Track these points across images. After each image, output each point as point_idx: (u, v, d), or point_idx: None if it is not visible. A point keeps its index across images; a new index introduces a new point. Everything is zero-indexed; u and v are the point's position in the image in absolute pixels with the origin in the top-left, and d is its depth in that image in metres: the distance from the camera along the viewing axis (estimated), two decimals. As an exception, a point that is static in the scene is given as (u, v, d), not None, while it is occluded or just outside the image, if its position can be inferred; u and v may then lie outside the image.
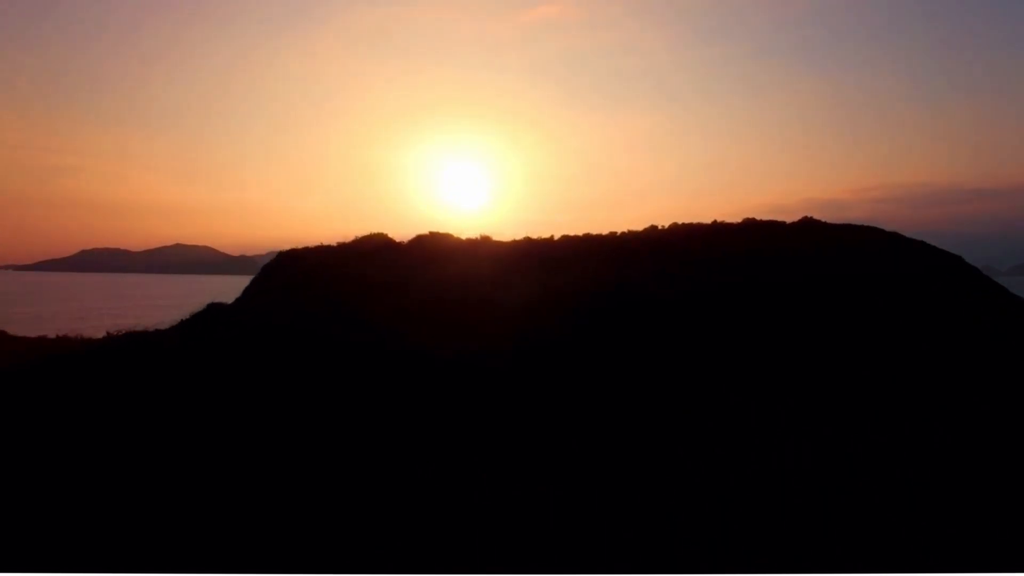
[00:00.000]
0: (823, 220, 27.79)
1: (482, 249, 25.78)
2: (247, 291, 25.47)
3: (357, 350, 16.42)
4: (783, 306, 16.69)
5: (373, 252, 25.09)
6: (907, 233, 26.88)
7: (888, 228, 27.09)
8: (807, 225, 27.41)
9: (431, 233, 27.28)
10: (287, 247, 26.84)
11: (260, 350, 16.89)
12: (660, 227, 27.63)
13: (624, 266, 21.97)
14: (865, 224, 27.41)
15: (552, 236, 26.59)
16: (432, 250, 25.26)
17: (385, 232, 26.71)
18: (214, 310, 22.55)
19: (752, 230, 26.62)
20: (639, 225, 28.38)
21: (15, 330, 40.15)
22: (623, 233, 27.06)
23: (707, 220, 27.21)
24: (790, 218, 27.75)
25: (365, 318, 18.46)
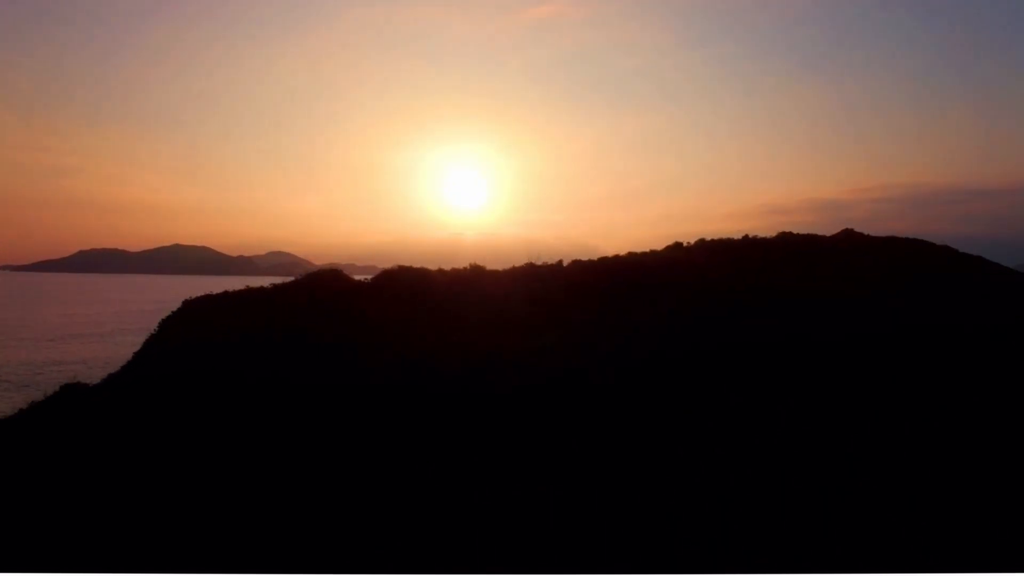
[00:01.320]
0: (864, 232, 25.12)
1: (470, 289, 19.81)
2: (138, 355, 19.46)
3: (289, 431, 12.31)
4: (787, 310, 16.43)
5: (317, 299, 19.19)
6: (906, 234, 25.67)
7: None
8: (848, 239, 24.35)
9: (400, 267, 21.34)
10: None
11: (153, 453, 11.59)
12: (686, 244, 24.10)
13: (645, 308, 17.15)
14: (908, 236, 25.40)
15: (560, 261, 22.09)
16: (401, 293, 19.28)
17: (340, 267, 21.97)
18: (70, 394, 15.86)
19: (788, 247, 23.21)
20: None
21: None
22: (644, 254, 23.03)
23: (735, 234, 24.36)
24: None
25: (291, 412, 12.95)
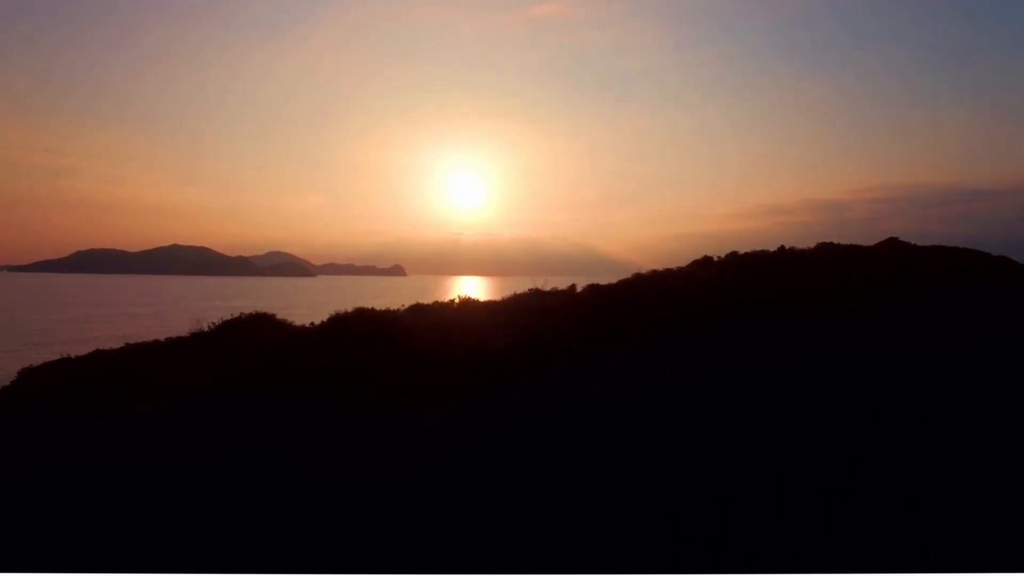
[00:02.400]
0: (910, 242, 23.53)
1: (453, 331, 14.81)
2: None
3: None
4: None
5: (237, 355, 14.09)
6: (906, 233, 24.75)
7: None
8: (891, 248, 22.72)
9: (357, 311, 15.88)
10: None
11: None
12: (716, 258, 21.98)
13: (656, 330, 14.36)
14: (957, 245, 23.63)
15: (574, 287, 18.38)
16: (353, 347, 13.86)
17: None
18: None
19: (825, 257, 21.26)
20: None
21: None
22: (669, 273, 20.14)
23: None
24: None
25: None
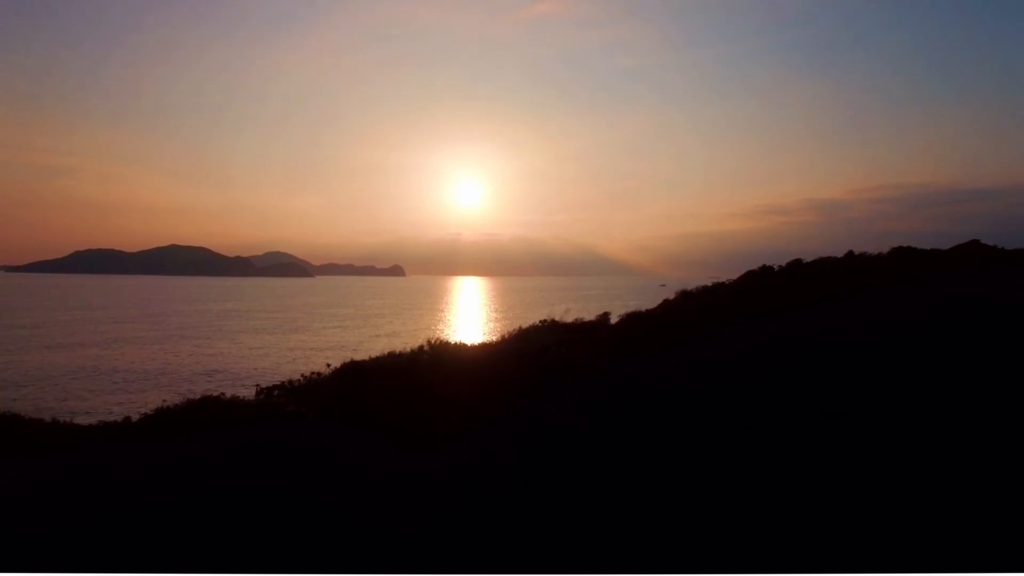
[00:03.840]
0: (993, 245, 21.69)
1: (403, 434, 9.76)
2: None
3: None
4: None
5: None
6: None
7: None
8: (971, 252, 20.74)
9: (204, 400, 10.97)
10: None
11: None
12: (776, 268, 19.82)
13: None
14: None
15: (607, 315, 14.63)
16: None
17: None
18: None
19: (898, 263, 19.13)
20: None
21: None
22: (718, 287, 18.10)
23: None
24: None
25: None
